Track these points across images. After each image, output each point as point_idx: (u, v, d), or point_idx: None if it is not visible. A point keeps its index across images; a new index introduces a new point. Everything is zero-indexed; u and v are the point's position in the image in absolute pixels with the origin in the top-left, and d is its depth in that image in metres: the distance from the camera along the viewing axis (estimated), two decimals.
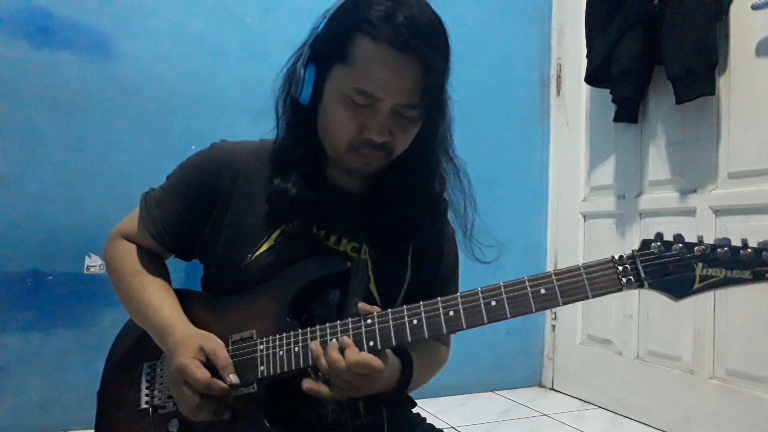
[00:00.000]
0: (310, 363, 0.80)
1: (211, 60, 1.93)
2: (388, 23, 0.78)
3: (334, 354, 0.75)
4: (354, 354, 0.75)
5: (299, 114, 0.90)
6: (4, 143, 1.71)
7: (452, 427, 1.90)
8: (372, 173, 0.91)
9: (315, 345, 0.78)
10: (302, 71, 0.85)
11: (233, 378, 0.80)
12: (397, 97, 0.81)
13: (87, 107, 1.79)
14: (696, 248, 0.69)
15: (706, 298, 1.76)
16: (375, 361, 0.75)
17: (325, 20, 0.84)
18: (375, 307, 0.80)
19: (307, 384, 0.77)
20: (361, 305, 0.79)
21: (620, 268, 0.71)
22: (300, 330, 0.82)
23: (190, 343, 0.82)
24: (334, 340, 0.78)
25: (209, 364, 0.80)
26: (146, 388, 0.91)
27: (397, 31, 0.78)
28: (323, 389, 0.77)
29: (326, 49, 0.84)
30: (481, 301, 0.75)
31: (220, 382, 0.79)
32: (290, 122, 0.92)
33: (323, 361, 0.76)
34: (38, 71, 1.74)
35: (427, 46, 0.79)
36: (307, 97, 0.86)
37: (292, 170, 0.89)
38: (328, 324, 0.80)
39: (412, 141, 0.89)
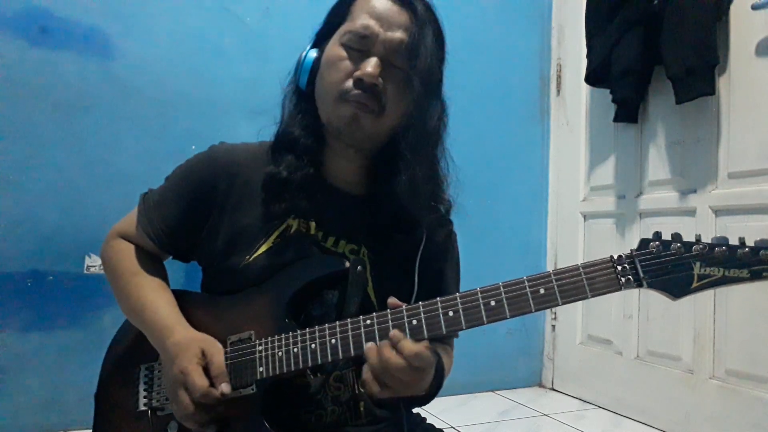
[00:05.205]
0: (310, 364, 0.79)
1: (211, 60, 1.93)
2: None
3: (387, 352, 0.73)
4: (410, 345, 0.73)
5: (300, 101, 0.92)
6: (4, 143, 1.71)
7: (452, 427, 1.90)
8: (362, 136, 0.87)
9: (371, 346, 0.75)
10: (303, 56, 0.90)
11: (225, 387, 0.80)
12: (387, 29, 0.84)
13: (87, 107, 1.79)
14: (694, 247, 0.69)
15: (705, 299, 1.76)
16: (428, 353, 0.74)
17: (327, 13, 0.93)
18: (403, 303, 0.78)
19: (365, 374, 0.75)
20: (391, 300, 0.78)
21: (619, 267, 0.71)
22: (299, 331, 0.81)
23: (193, 347, 0.81)
24: (386, 340, 0.75)
25: (207, 370, 0.80)
26: (144, 389, 0.90)
27: None
28: (375, 387, 0.74)
29: (329, 24, 0.91)
30: (481, 301, 0.75)
31: (215, 392, 0.79)
32: (291, 111, 0.93)
33: (376, 361, 0.74)
34: (38, 71, 1.74)
35: (420, 5, 0.87)
36: (305, 79, 0.90)
37: (288, 153, 0.89)
38: (327, 325, 0.80)
39: (408, 135, 0.87)
